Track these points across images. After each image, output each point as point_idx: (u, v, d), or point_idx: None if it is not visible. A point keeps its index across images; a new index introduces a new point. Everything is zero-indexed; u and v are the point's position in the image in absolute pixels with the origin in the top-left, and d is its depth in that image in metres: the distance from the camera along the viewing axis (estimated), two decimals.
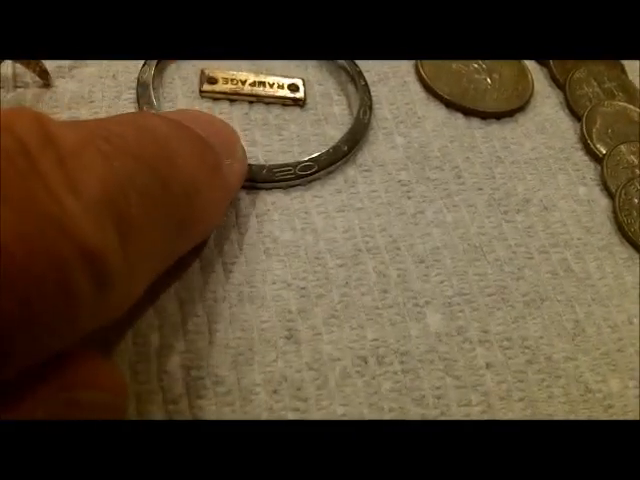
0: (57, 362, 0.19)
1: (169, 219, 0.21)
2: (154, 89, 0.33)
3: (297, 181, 0.31)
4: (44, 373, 0.19)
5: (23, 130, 0.18)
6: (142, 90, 0.33)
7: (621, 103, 0.38)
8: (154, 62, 0.33)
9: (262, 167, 0.31)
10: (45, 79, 0.32)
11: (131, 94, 0.33)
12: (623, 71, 0.40)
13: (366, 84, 0.35)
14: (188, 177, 0.22)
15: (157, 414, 0.24)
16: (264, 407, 0.25)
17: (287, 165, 0.31)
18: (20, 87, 0.32)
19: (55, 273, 0.17)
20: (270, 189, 0.31)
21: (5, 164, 0.17)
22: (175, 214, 0.22)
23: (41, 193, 0.17)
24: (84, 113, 0.31)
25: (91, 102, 0.32)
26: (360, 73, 0.35)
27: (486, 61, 0.38)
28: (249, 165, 0.30)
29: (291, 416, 0.25)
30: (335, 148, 0.32)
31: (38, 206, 0.17)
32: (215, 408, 0.24)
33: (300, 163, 0.31)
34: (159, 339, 0.25)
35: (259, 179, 0.30)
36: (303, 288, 0.27)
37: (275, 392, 0.25)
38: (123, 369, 0.24)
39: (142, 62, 0.34)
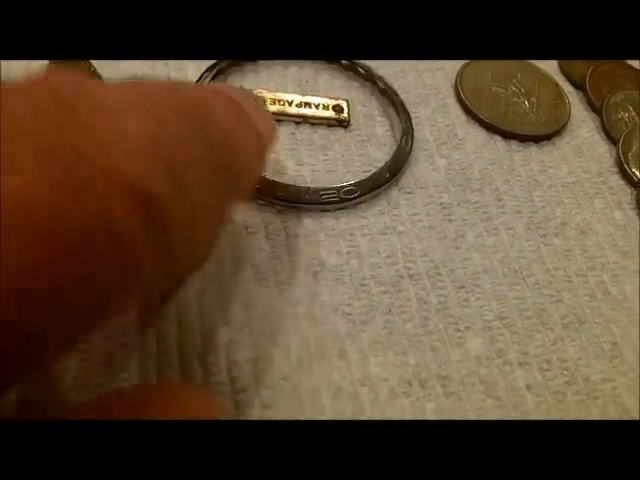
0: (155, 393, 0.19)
1: (214, 168, 0.21)
2: None
3: (341, 204, 0.32)
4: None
5: (60, 84, 0.17)
6: None
7: None
8: (206, 82, 0.34)
9: (307, 189, 0.32)
10: None
11: None
12: None
13: (406, 109, 0.36)
14: (225, 131, 0.22)
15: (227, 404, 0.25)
16: (328, 407, 0.26)
17: (332, 189, 0.32)
18: None
19: (106, 223, 0.16)
20: (317, 211, 0.32)
21: (45, 116, 0.16)
22: (219, 164, 0.21)
23: (84, 144, 0.16)
24: None
25: None
26: (399, 99, 0.36)
27: (524, 84, 0.39)
28: (296, 186, 0.31)
29: None
30: (378, 174, 0.33)
31: (83, 159, 0.16)
32: (284, 403, 0.26)
33: (344, 187, 0.32)
34: (228, 334, 0.26)
35: (306, 201, 0.31)
36: (349, 314, 0.29)
37: (334, 398, 0.26)
38: (193, 363, 0.26)
39: (194, 81, 0.35)
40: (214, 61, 0.36)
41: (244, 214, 0.31)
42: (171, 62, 0.36)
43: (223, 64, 0.36)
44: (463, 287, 0.30)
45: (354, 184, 0.32)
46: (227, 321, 0.27)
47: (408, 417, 0.26)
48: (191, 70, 0.36)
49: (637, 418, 0.29)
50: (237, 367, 0.26)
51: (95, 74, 0.33)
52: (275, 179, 0.32)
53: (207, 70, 0.35)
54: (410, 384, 0.27)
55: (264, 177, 0.31)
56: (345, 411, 0.26)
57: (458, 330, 0.29)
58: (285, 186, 0.31)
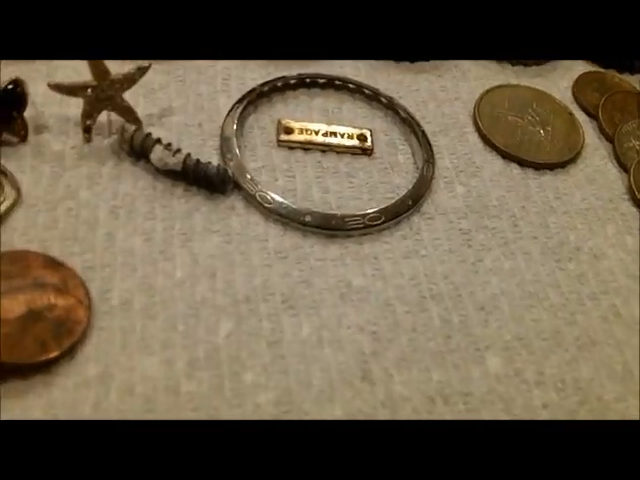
0: None
1: None
2: (236, 138, 0.35)
3: (366, 230, 0.33)
4: None
5: None
6: (225, 140, 0.36)
7: None
8: (236, 113, 0.36)
9: (334, 216, 0.33)
10: (138, 125, 0.35)
11: (215, 142, 0.36)
12: None
13: (427, 138, 0.38)
14: None
15: None
16: None
17: (357, 215, 0.34)
18: (115, 134, 0.35)
19: None
20: (342, 237, 0.33)
21: None
22: None
23: None
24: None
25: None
26: (420, 128, 0.38)
27: (539, 113, 0.41)
28: (323, 213, 0.33)
29: None
30: (401, 201, 0.34)
31: None
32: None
33: (368, 214, 0.34)
34: (251, 377, 0.28)
35: (332, 227, 0.33)
36: (375, 332, 0.30)
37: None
38: (220, 401, 0.27)
39: (224, 113, 0.37)
40: (244, 93, 0.38)
41: (273, 240, 0.32)
42: (204, 92, 0.38)
43: (253, 95, 0.37)
44: (483, 308, 0.32)
45: (378, 211, 0.34)
46: (252, 364, 0.29)
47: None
48: (222, 101, 0.38)
49: None
50: (260, 410, 0.28)
51: (135, 117, 0.35)
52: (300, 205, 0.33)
53: (238, 102, 0.37)
54: (434, 401, 0.29)
55: (291, 204, 0.33)
56: None
57: (478, 349, 0.31)
58: (313, 212, 0.33)
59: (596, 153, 0.40)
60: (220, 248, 0.32)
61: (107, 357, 0.28)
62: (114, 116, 0.35)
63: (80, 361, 0.27)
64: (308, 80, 0.39)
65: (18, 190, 0.32)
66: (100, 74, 0.33)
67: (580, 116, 0.42)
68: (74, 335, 0.27)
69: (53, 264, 0.29)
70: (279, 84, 0.39)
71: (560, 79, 0.44)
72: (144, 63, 0.34)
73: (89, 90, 0.33)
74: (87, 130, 0.34)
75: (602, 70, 0.46)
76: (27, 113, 0.34)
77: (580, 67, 0.46)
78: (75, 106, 0.34)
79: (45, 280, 0.28)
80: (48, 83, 0.33)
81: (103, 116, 0.35)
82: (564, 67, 0.45)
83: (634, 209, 0.38)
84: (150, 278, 0.30)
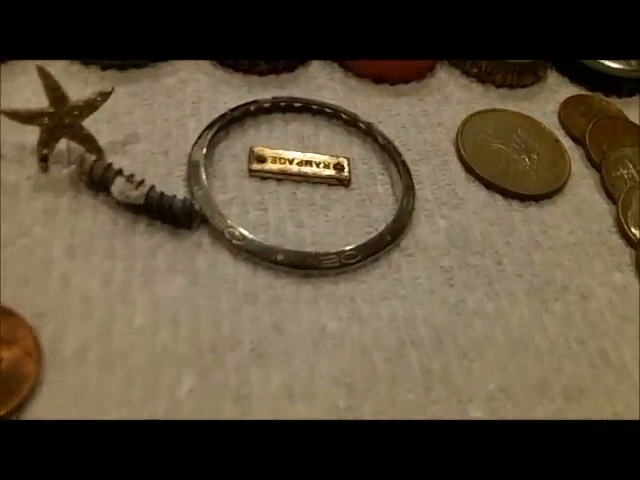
0: None
1: None
2: (204, 167, 0.33)
3: (342, 269, 0.31)
4: None
5: None
6: (193, 168, 0.33)
7: None
8: (206, 140, 0.34)
9: (308, 254, 0.31)
10: (99, 155, 0.33)
11: (182, 171, 0.34)
12: None
13: (407, 167, 0.36)
14: None
15: None
16: None
17: (333, 254, 0.31)
18: (73, 163, 0.32)
19: None
20: (317, 275, 0.31)
21: None
22: None
23: None
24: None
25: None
26: (400, 158, 0.36)
27: (524, 140, 0.39)
28: (296, 251, 0.31)
29: None
30: (379, 237, 0.32)
31: None
32: None
33: (345, 252, 0.32)
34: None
35: (306, 266, 0.31)
36: (350, 384, 0.28)
37: None
38: None
39: (193, 139, 0.35)
40: (215, 117, 0.36)
41: (243, 280, 0.30)
42: (172, 117, 0.36)
43: (224, 121, 0.35)
44: (466, 355, 0.30)
45: (355, 248, 0.32)
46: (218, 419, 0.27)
47: None
48: (191, 126, 0.36)
49: None
50: None
51: (96, 146, 0.32)
52: (275, 243, 0.31)
53: (207, 127, 0.35)
54: None
55: (263, 241, 0.31)
56: None
57: (460, 401, 0.29)
58: (285, 250, 0.31)
59: (583, 182, 0.39)
60: (184, 290, 0.30)
61: (58, 415, 0.25)
62: (74, 143, 0.33)
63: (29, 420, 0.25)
64: (283, 104, 0.37)
65: None
66: (58, 100, 0.31)
67: (566, 142, 0.40)
68: (21, 392, 0.25)
69: (0, 313, 0.27)
70: (252, 108, 0.37)
71: (546, 103, 0.43)
72: (107, 88, 0.32)
73: (46, 118, 0.31)
74: (43, 159, 0.32)
75: (589, 93, 0.44)
76: None
77: (566, 89, 0.44)
78: (32, 132, 0.32)
79: None
80: (2, 110, 0.30)
81: (62, 144, 0.32)
82: (550, 90, 0.44)
83: (622, 242, 0.36)
84: (107, 325, 0.28)
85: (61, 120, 0.31)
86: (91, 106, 0.32)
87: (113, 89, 0.32)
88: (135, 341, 0.28)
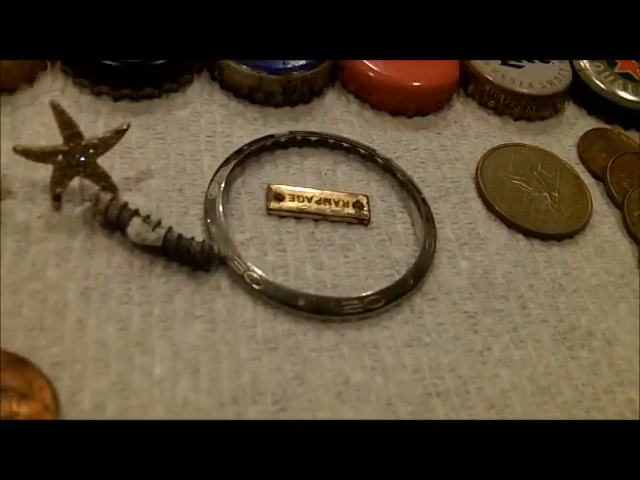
0: None
1: None
2: (222, 206, 0.32)
3: (365, 314, 0.30)
4: None
5: None
6: (210, 206, 0.32)
7: None
8: (223, 177, 0.33)
9: (330, 299, 0.30)
10: (113, 193, 0.32)
11: (198, 209, 0.33)
12: None
13: (428, 207, 0.35)
14: None
15: None
16: None
17: (355, 298, 0.31)
18: (87, 200, 0.31)
19: None
20: (339, 321, 0.30)
21: None
22: None
23: None
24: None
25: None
26: (420, 195, 0.35)
27: (545, 177, 0.38)
28: (318, 296, 0.30)
29: None
30: (402, 281, 0.32)
31: None
32: None
33: (368, 297, 0.31)
34: None
35: (328, 312, 0.30)
36: None
37: None
38: None
39: (209, 175, 0.34)
40: (231, 153, 0.35)
41: (262, 326, 0.29)
42: (186, 151, 0.35)
43: (240, 156, 0.34)
44: (493, 407, 0.29)
45: (378, 293, 0.31)
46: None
47: None
48: (206, 162, 0.35)
49: None
50: None
51: (110, 184, 0.31)
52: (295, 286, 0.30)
53: (223, 164, 0.34)
54: None
55: (283, 284, 0.30)
56: None
57: None
58: (307, 295, 0.30)
59: (605, 221, 0.38)
60: (204, 337, 0.29)
61: None
62: (87, 181, 0.31)
63: None
64: (299, 138, 0.36)
65: None
66: (72, 138, 0.30)
67: (586, 178, 0.40)
68: None
69: (16, 363, 0.26)
70: (268, 143, 0.36)
71: (564, 136, 0.42)
72: (122, 125, 0.31)
73: (60, 156, 0.30)
74: (57, 198, 0.31)
75: (607, 127, 0.43)
76: None
77: (584, 122, 0.43)
78: (43, 168, 0.31)
79: (7, 383, 0.25)
80: (14, 147, 0.29)
81: (75, 180, 0.31)
82: (568, 122, 0.43)
83: None
84: (125, 376, 0.27)
85: (75, 158, 0.30)
86: (106, 144, 0.31)
87: (129, 126, 0.31)
88: (155, 394, 0.26)
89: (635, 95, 0.43)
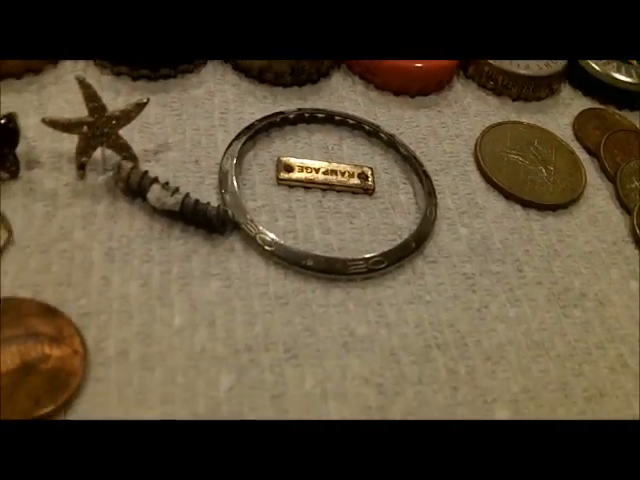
0: None
1: None
2: (235, 176, 0.34)
3: (369, 274, 0.33)
4: None
5: None
6: (223, 177, 0.35)
7: None
8: (235, 150, 0.35)
9: (337, 260, 0.32)
10: (134, 163, 0.34)
11: (213, 179, 0.35)
12: None
13: (429, 178, 0.37)
14: None
15: None
16: None
17: (360, 259, 0.33)
18: (110, 169, 0.33)
19: None
20: (345, 280, 0.32)
21: None
22: None
23: None
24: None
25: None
26: (422, 168, 0.37)
27: (541, 152, 0.40)
28: (325, 257, 0.32)
29: None
30: (404, 244, 0.34)
31: None
32: None
33: (372, 258, 0.33)
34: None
35: (334, 271, 0.32)
36: (380, 385, 0.29)
37: None
38: None
39: (222, 149, 0.36)
40: (242, 128, 0.37)
41: (274, 284, 0.31)
42: (201, 127, 0.37)
43: (251, 131, 0.36)
44: (489, 358, 0.31)
45: (381, 254, 0.33)
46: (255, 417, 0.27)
47: None
48: (220, 136, 0.37)
49: None
50: None
51: (131, 154, 0.34)
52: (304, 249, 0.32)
53: (236, 138, 0.36)
54: None
55: (292, 246, 0.32)
56: None
57: (486, 402, 0.30)
58: (315, 256, 0.32)
59: (598, 193, 0.40)
60: (220, 293, 0.31)
61: (103, 411, 0.26)
62: (108, 151, 0.34)
63: (74, 416, 0.26)
64: (307, 115, 0.38)
65: (10, 231, 0.30)
66: (97, 110, 0.32)
67: (581, 154, 0.42)
68: (69, 388, 0.26)
69: (47, 312, 0.28)
70: (278, 119, 0.38)
71: (560, 115, 0.44)
72: (142, 99, 0.33)
73: (85, 127, 0.32)
74: (81, 167, 0.33)
75: (602, 107, 0.45)
76: (18, 148, 0.32)
77: (580, 102, 0.45)
78: (69, 140, 0.33)
79: (39, 329, 0.27)
80: (43, 119, 0.32)
81: (98, 151, 0.33)
82: (564, 103, 0.45)
83: (637, 252, 0.37)
84: (147, 326, 0.29)
85: (99, 129, 0.32)
86: (127, 116, 0.33)
87: (148, 100, 0.33)
88: (175, 342, 0.29)
89: (629, 76, 0.45)
